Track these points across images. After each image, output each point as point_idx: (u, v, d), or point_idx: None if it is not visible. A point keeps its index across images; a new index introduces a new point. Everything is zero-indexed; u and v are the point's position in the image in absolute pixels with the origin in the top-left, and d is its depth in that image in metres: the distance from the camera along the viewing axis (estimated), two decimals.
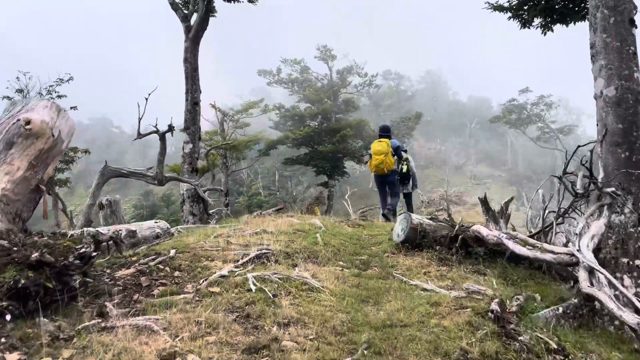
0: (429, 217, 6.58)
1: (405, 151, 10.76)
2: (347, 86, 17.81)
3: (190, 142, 10.31)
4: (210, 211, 10.86)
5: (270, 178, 46.98)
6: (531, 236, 5.00)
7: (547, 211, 6.35)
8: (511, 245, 4.36)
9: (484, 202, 7.71)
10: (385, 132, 9.67)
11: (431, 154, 57.77)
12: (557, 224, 5.09)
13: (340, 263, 5.04)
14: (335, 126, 16.67)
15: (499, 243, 4.57)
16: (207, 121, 19.31)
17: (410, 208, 11.00)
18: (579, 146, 4.96)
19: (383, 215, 9.83)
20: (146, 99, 8.41)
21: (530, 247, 4.29)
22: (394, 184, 9.87)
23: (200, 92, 10.69)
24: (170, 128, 9.35)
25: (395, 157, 9.84)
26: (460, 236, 5.18)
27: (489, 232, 4.86)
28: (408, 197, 11.05)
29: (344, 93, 17.98)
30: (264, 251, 4.45)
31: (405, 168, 10.34)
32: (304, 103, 17.97)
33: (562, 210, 5.03)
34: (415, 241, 5.43)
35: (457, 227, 5.35)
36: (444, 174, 52.53)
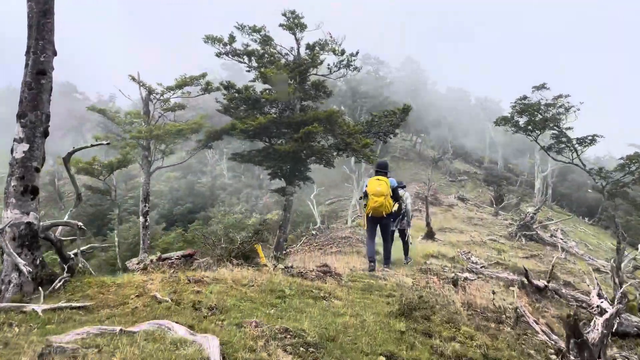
0: None
1: (404, 187, 10.78)
2: (318, 65, 12.84)
3: (25, 140, 5.40)
4: (76, 251, 6.11)
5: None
6: None
7: None
8: None
9: None
10: (383, 169, 9.24)
11: (407, 146, 53.72)
12: None
13: None
14: (299, 117, 11.95)
15: None
16: (129, 98, 14.31)
17: (406, 246, 11.28)
18: None
19: (372, 266, 9.31)
20: None
21: None
22: (389, 226, 9.58)
23: (54, 53, 5.72)
24: None
25: (400, 197, 9.72)
26: None
27: None
28: (402, 234, 11.06)
29: (314, 74, 12.98)
30: None
31: (395, 205, 9.75)
32: (261, 83, 12.86)
33: None
34: None
35: None
36: (418, 168, 48.72)
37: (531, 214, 26.89)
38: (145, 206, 13.61)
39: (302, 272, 7.62)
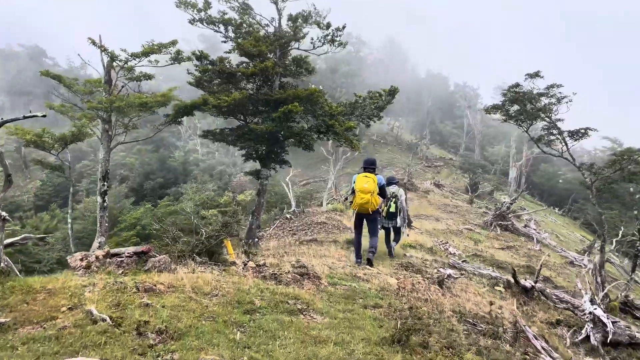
0: None
1: (397, 183, 10.86)
2: (300, 39, 11.52)
3: None
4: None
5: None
6: None
7: None
8: None
9: None
10: (370, 166, 9.11)
11: (384, 129, 52.79)
12: None
13: None
14: (278, 95, 10.69)
15: None
16: (89, 65, 12.71)
17: (398, 237, 11.19)
18: None
19: (359, 261, 9.26)
20: None
21: None
22: (375, 222, 9.39)
23: None
24: None
25: (397, 197, 10.19)
26: None
27: None
28: (397, 230, 11.00)
29: (295, 49, 11.67)
30: None
31: (393, 207, 10.36)
32: (237, 55, 11.49)
33: None
34: None
35: None
36: (395, 152, 48.02)
37: (507, 204, 26.46)
38: (103, 185, 12.10)
39: (275, 273, 6.54)
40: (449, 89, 66.98)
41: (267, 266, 7.23)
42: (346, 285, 7.07)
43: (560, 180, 49.47)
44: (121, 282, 4.93)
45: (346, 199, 10.27)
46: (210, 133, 13.45)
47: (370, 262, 9.19)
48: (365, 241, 9.91)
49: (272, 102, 12.54)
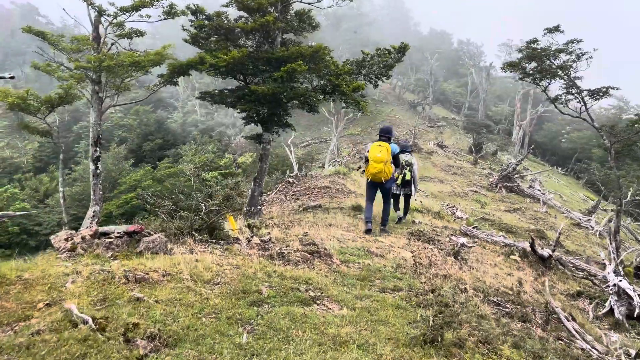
0: None
1: (410, 152, 10.73)
2: None
3: None
4: None
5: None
6: None
7: None
8: None
9: None
10: (386, 134, 9.02)
11: (386, 88, 51.41)
12: None
13: None
14: (280, 53, 9.77)
15: None
16: (76, 20, 11.57)
17: (407, 206, 11.25)
18: None
19: (369, 228, 9.09)
20: None
21: None
22: (389, 190, 9.35)
23: None
24: None
25: (409, 164, 10.04)
26: None
27: None
28: (407, 197, 11.04)
29: (298, 1, 10.63)
30: None
31: (408, 175, 10.31)
32: (236, 10, 10.47)
33: None
34: None
35: None
36: (397, 112, 46.89)
37: (513, 165, 25.77)
38: (95, 151, 11.23)
39: (283, 252, 5.88)
40: (452, 46, 64.91)
41: (273, 242, 6.56)
42: (359, 262, 6.43)
43: (563, 140, 48.56)
44: (108, 271, 4.24)
45: (360, 167, 9.51)
46: (208, 94, 12.51)
47: (384, 229, 9.33)
48: (377, 209, 9.74)
49: (273, 60, 11.56)
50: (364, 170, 9.05)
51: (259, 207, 11.76)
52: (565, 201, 28.55)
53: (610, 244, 12.45)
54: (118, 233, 5.20)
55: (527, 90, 46.51)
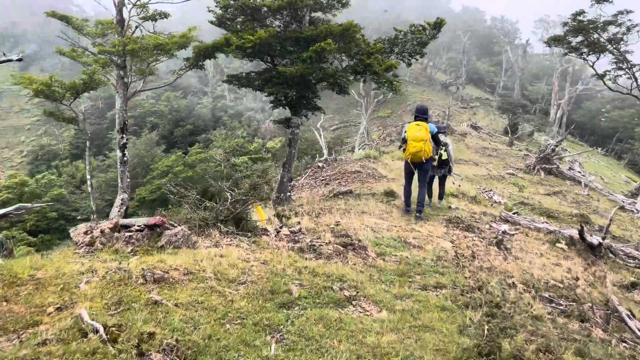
0: None
1: (445, 132, 10.39)
2: None
3: None
4: None
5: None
6: None
7: None
8: None
9: None
10: (422, 114, 8.89)
11: (417, 69, 50.03)
12: None
13: None
14: (309, 33, 9.22)
15: None
16: (100, 4, 11.23)
17: (442, 189, 10.84)
18: None
19: (408, 209, 9.31)
20: None
21: None
22: (427, 172, 9.21)
23: None
24: None
25: (445, 144, 9.77)
26: None
27: None
28: (443, 179, 10.76)
29: None
30: None
31: (444, 155, 10.10)
32: None
33: None
34: None
35: None
36: (429, 93, 45.60)
37: (552, 146, 24.55)
38: (122, 137, 10.94)
39: (314, 244, 5.42)
40: (486, 24, 62.42)
41: (303, 233, 6.12)
42: (397, 255, 5.91)
43: (604, 119, 46.30)
44: (125, 270, 3.87)
45: (400, 146, 9.16)
46: (235, 78, 12.07)
47: (420, 217, 9.03)
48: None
49: (302, 40, 10.98)
50: (404, 150, 8.91)
51: (288, 193, 11.34)
52: (606, 183, 27.17)
53: None
54: (139, 226, 4.84)
55: (565, 68, 44.36)
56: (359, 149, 26.89)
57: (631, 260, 9.58)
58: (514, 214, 11.12)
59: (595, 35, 12.72)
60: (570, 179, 22.93)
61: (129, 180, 11.27)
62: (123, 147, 11.16)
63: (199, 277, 4.00)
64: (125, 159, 11.18)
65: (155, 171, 36.86)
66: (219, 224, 5.49)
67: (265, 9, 11.35)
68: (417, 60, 12.29)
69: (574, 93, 43.45)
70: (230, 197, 5.66)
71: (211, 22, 12.46)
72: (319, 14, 12.88)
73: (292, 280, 4.32)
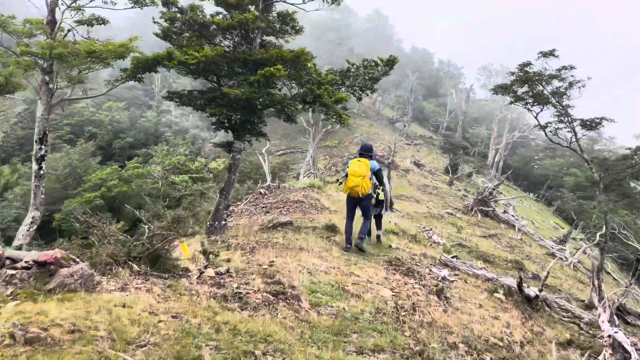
0: None
1: (382, 169, 10.21)
2: None
3: None
4: None
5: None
6: None
7: None
8: None
9: None
10: (366, 152, 9.19)
11: (366, 103, 50.82)
12: None
13: None
14: (259, 55, 8.53)
15: None
16: (31, 2, 10.15)
17: (379, 225, 10.74)
18: None
19: (348, 247, 9.16)
20: None
21: None
22: (368, 208, 9.31)
23: None
24: None
25: (373, 180, 9.33)
26: None
27: None
28: (379, 217, 10.71)
29: (282, 1, 9.55)
30: None
31: (381, 195, 10.04)
32: (213, 5, 9.31)
33: None
34: None
35: None
36: (376, 127, 46.26)
37: (490, 189, 25.18)
38: (41, 148, 9.65)
39: (240, 292, 4.70)
40: (434, 66, 64.83)
41: (231, 275, 5.39)
42: (333, 307, 5.31)
43: (536, 166, 48.71)
44: None
45: (339, 181, 9.50)
46: (176, 94, 11.24)
47: (360, 248, 9.11)
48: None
49: (250, 63, 10.41)
50: (341, 183, 9.26)
51: (223, 222, 10.53)
52: (537, 228, 28.17)
53: (593, 281, 11.73)
54: (26, 262, 3.96)
55: (504, 115, 46.55)
56: (304, 177, 26.42)
57: (564, 313, 9.52)
58: (453, 257, 10.91)
59: (540, 87, 12.99)
60: (505, 222, 23.50)
61: (43, 196, 9.96)
62: (41, 159, 9.83)
63: (88, 337, 3.18)
64: (42, 172, 9.85)
65: (88, 183, 34.53)
66: (130, 262, 4.67)
67: (214, 26, 10.71)
68: (367, 95, 12.04)
69: (511, 139, 45.55)
70: (147, 231, 4.86)
71: (156, 35, 11.66)
72: (271, 38, 12.42)
73: (206, 342, 3.58)
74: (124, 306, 3.85)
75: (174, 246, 5.33)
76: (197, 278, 5.04)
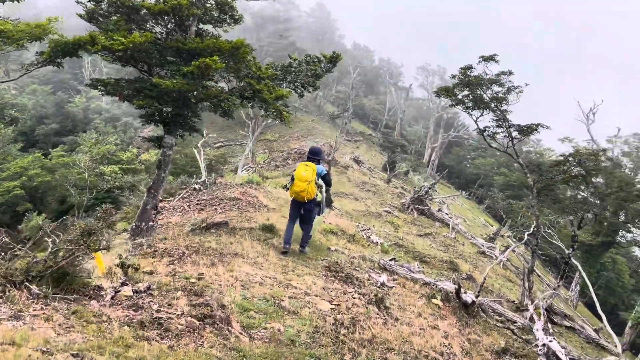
0: None
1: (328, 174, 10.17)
2: None
3: None
4: None
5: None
6: None
7: None
8: None
9: None
10: (314, 156, 9.21)
11: (307, 97, 50.33)
12: None
13: None
14: (194, 45, 7.77)
15: None
16: None
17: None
18: None
19: (286, 250, 9.04)
20: None
21: None
22: (311, 212, 9.26)
23: None
24: None
25: (318, 185, 9.18)
26: None
27: None
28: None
29: None
30: None
31: (319, 196, 9.56)
32: None
33: None
34: None
35: None
36: (317, 123, 45.98)
37: (426, 188, 25.59)
38: None
39: (161, 316, 4.06)
40: (374, 63, 65.62)
41: (152, 293, 4.75)
42: (267, 328, 4.81)
43: (469, 165, 50.59)
44: None
45: (286, 186, 9.30)
46: (100, 82, 10.18)
47: (303, 251, 9.31)
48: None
49: (185, 52, 9.61)
50: (288, 188, 9.15)
51: (151, 223, 9.69)
52: (468, 225, 29.03)
53: (524, 283, 12.03)
54: None
55: (440, 115, 47.82)
56: (242, 171, 25.60)
57: (498, 317, 9.61)
58: (391, 259, 10.76)
59: (479, 92, 13.10)
60: (439, 220, 23.98)
61: None
62: None
63: None
64: None
65: (7, 172, 31.69)
66: (28, 282, 3.93)
67: (144, 10, 9.79)
68: (310, 92, 11.58)
69: (446, 138, 46.93)
70: (52, 245, 4.12)
71: (80, 16, 10.52)
72: (208, 27, 11.61)
73: None
74: (12, 343, 3.15)
75: (84, 260, 4.60)
76: (110, 299, 4.36)
